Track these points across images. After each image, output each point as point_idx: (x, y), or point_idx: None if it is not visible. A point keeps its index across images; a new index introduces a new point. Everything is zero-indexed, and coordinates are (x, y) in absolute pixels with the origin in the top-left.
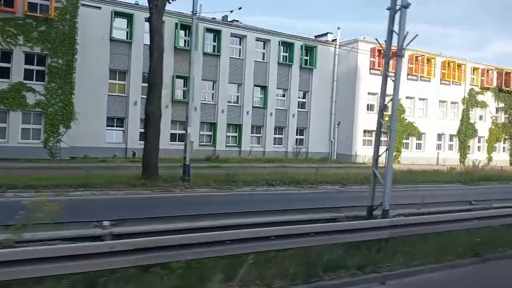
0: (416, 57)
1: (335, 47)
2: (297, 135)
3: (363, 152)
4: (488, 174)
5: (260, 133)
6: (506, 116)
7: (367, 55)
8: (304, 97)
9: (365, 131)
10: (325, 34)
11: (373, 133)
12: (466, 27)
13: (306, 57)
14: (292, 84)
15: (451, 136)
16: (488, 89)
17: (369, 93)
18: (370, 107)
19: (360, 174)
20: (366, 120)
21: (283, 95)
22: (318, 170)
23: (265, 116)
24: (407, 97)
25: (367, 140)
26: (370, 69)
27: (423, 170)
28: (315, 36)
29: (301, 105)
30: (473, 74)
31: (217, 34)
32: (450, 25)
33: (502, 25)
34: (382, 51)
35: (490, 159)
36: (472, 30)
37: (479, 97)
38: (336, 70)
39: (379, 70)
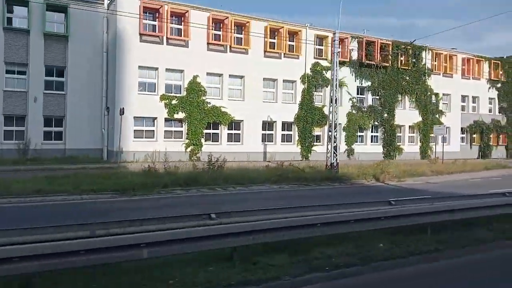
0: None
1: (108, 8)
2: (46, 126)
3: (135, 147)
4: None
5: None
6: (378, 97)
7: (135, 18)
8: (59, 75)
9: (137, 119)
10: None
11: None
12: None
13: (58, 23)
14: (32, 58)
15: (290, 124)
16: (344, 63)
17: (140, 67)
18: (145, 87)
19: None
20: (139, 104)
21: (20, 72)
22: None
23: None
24: (208, 74)
25: (142, 131)
26: (141, 35)
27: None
28: None
29: (53, 85)
30: (318, 44)
31: None
32: None
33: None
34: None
35: (351, 151)
36: None
37: (329, 73)
38: (106, 39)
39: (155, 36)
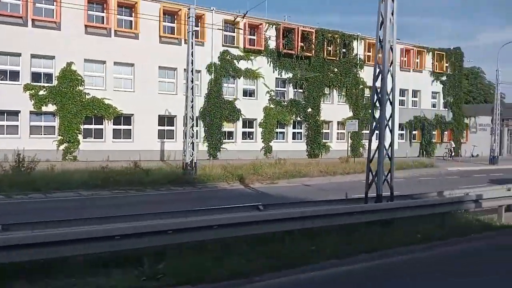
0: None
1: None
2: None
3: None
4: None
5: None
6: (301, 91)
7: None
8: None
9: None
10: None
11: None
12: None
13: None
14: None
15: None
16: (259, 52)
17: None
18: (6, 75)
19: None
20: None
21: None
22: None
23: None
24: (86, 60)
25: (3, 126)
26: None
27: None
28: None
29: None
30: (228, 30)
31: None
32: None
33: None
34: None
35: (269, 149)
36: None
37: (243, 63)
38: None
39: (16, 17)
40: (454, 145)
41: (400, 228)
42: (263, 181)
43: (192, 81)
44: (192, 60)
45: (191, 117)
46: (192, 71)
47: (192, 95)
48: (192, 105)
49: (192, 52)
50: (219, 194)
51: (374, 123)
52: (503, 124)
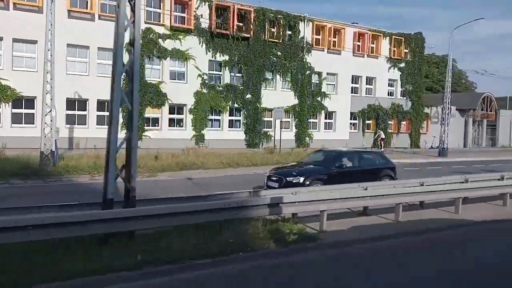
0: None
1: None
2: None
3: None
4: None
5: None
6: (240, 75)
7: None
8: None
9: None
10: None
11: None
12: None
13: None
14: None
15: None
16: (189, 31)
17: None
18: None
19: None
20: None
21: None
22: None
23: None
24: None
25: None
26: None
27: None
28: None
29: None
30: (151, 6)
31: None
32: None
33: None
34: None
35: (200, 137)
36: None
37: (170, 43)
38: None
39: None
40: (383, 136)
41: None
42: (143, 173)
43: (50, 59)
44: (51, 32)
45: (48, 102)
46: (51, 45)
47: (51, 75)
48: (51, 87)
49: (51, 22)
50: (69, 189)
51: (114, 103)
52: (468, 114)
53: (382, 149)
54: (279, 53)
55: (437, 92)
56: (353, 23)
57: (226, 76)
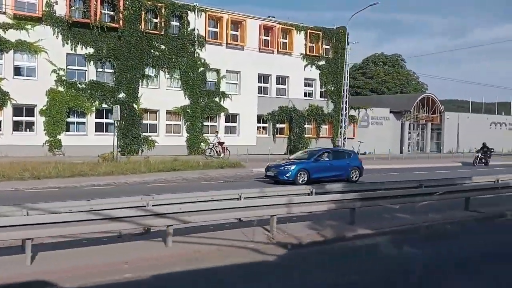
0: None
1: None
2: None
3: None
4: None
5: None
6: (111, 71)
7: None
8: None
9: None
10: None
11: None
12: None
13: None
14: None
15: None
16: (39, 20)
17: None
18: None
19: None
20: None
21: None
22: None
23: None
24: None
25: None
26: None
27: None
28: None
29: None
30: None
31: None
32: None
33: None
34: None
35: (56, 143)
36: None
37: (14, 33)
38: None
39: None
40: (221, 140)
41: None
42: None
43: None
44: None
45: None
46: None
47: None
48: None
49: None
50: None
51: None
52: (403, 117)
53: (222, 155)
54: (162, 47)
55: (382, 93)
56: (269, 16)
57: (92, 72)
